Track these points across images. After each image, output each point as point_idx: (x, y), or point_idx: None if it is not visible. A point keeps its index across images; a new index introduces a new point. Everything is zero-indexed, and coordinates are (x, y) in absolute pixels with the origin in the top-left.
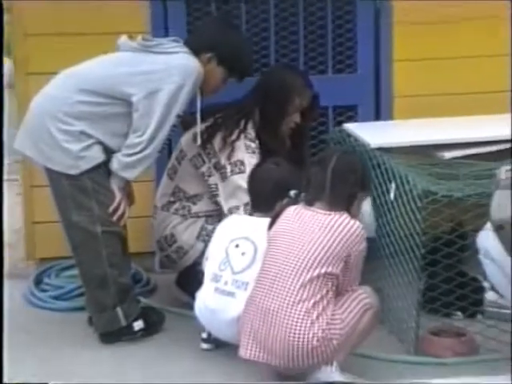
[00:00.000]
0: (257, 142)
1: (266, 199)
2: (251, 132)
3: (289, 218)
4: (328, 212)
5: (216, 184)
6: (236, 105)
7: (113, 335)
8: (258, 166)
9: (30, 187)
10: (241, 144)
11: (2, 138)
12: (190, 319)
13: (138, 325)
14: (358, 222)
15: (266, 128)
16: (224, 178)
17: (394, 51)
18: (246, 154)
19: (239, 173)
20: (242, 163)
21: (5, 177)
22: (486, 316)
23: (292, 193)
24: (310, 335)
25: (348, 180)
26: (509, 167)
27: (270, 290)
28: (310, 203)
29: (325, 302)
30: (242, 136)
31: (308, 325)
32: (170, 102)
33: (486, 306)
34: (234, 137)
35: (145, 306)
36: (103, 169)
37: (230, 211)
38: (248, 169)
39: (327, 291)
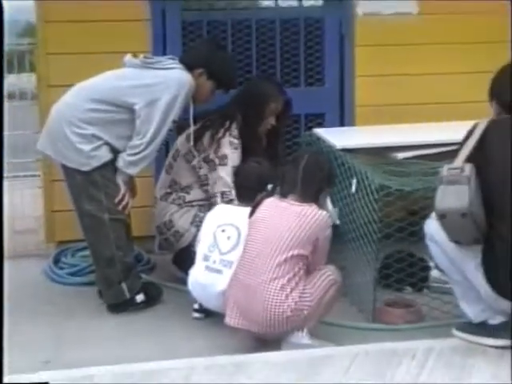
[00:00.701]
0: (239, 139)
1: (248, 192)
2: (235, 130)
3: (267, 207)
4: (300, 203)
5: (206, 174)
6: (221, 110)
7: (119, 306)
8: (243, 164)
9: (49, 181)
10: (226, 141)
11: (2, 138)
12: (184, 293)
13: (140, 298)
14: (324, 212)
15: (247, 129)
16: (212, 169)
17: (355, 68)
18: (230, 149)
19: (222, 165)
20: (226, 157)
21: (26, 174)
22: (431, 290)
23: (269, 187)
24: (285, 306)
25: (317, 177)
26: (451, 166)
27: (250, 269)
28: (284, 196)
29: (297, 278)
30: (227, 134)
31: (283, 298)
32: (167, 109)
33: (430, 281)
34: (220, 134)
35: (146, 281)
36: (111, 166)
37: (214, 195)
38: (230, 162)
39: (299, 269)
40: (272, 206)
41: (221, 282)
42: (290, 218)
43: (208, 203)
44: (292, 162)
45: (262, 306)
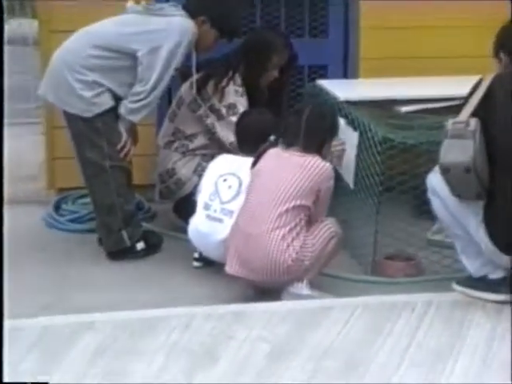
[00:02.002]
0: (243, 87)
1: (250, 142)
2: (238, 79)
3: (269, 158)
4: (303, 154)
5: (213, 123)
6: (225, 59)
7: (119, 254)
8: (244, 115)
9: (51, 128)
10: (230, 89)
11: (2, 134)
12: (184, 241)
13: (140, 245)
14: (327, 164)
15: (249, 80)
16: (220, 118)
17: (360, 20)
18: (236, 97)
19: (234, 114)
20: (235, 106)
21: (27, 120)
22: (431, 244)
23: (272, 138)
24: (286, 256)
25: (320, 128)
26: (456, 120)
27: (252, 218)
28: (286, 147)
29: (298, 228)
30: (231, 83)
31: (284, 247)
32: (169, 56)
33: (431, 235)
34: (223, 83)
35: (146, 229)
36: (113, 113)
37: (232, 145)
38: (241, 108)
39: (300, 220)
40: (275, 157)
41: (221, 231)
42: (292, 169)
43: (211, 153)
44: (295, 113)
45: (263, 255)
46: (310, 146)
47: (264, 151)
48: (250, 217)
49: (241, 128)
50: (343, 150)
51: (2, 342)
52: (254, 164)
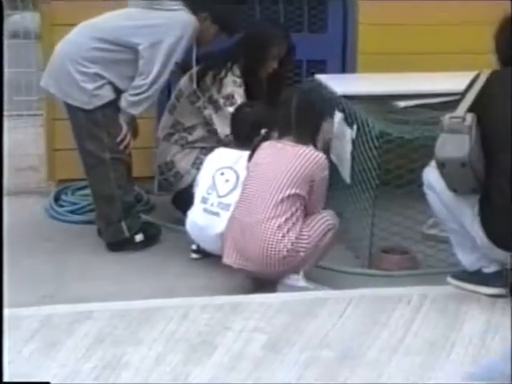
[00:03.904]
0: (242, 79)
1: (245, 135)
2: (237, 70)
3: (264, 150)
4: (296, 144)
5: (210, 115)
6: (224, 51)
7: (117, 245)
8: (240, 107)
9: (52, 120)
10: (229, 80)
11: (1, 132)
12: (183, 233)
13: (139, 237)
14: (321, 153)
15: (248, 71)
16: (218, 109)
17: (359, 16)
18: (235, 87)
19: (231, 105)
20: (233, 96)
21: (28, 112)
22: (426, 238)
23: (263, 131)
24: (281, 246)
25: (309, 116)
26: (452, 115)
27: (248, 208)
28: (279, 138)
29: (294, 219)
30: (229, 73)
31: (280, 237)
32: (170, 51)
33: (426, 229)
34: (222, 74)
35: (145, 221)
36: (113, 106)
37: (227, 137)
38: (238, 99)
39: (296, 209)
40: (269, 149)
41: (218, 225)
42: (286, 159)
43: (210, 146)
44: (283, 103)
45: (259, 245)
46: (303, 136)
47: (258, 145)
48: (246, 207)
49: (236, 121)
50: (330, 138)
51: (2, 343)
52: (250, 157)
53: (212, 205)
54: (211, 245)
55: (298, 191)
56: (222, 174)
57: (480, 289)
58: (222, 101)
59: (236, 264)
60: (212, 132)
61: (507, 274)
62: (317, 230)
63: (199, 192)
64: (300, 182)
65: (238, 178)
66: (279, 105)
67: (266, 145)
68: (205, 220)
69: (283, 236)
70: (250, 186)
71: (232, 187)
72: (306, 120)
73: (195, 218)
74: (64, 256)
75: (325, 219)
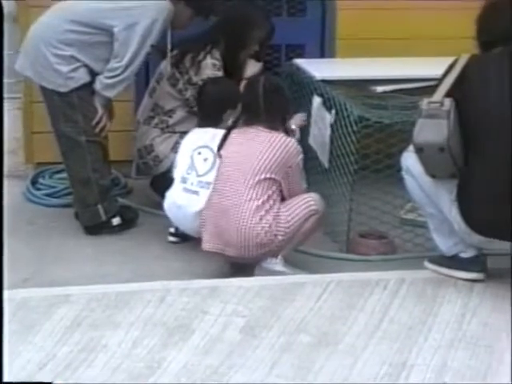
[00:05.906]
0: (221, 62)
1: (209, 113)
2: (216, 53)
3: (236, 135)
4: (268, 130)
5: (193, 95)
6: (204, 34)
7: (94, 228)
8: (202, 86)
9: (29, 103)
10: (208, 63)
11: (2, 128)
12: (160, 217)
13: (116, 220)
14: (293, 140)
15: (228, 55)
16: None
17: (338, 1)
18: (214, 71)
19: None
20: None
21: (6, 95)
22: (404, 223)
23: (230, 121)
24: (259, 228)
25: (278, 102)
26: (431, 100)
27: (223, 192)
28: (248, 125)
29: (271, 201)
30: (208, 56)
31: (257, 220)
32: (145, 33)
33: (404, 214)
34: (200, 57)
35: (122, 205)
36: (89, 88)
37: None
38: None
39: (272, 192)
40: (242, 134)
41: (197, 203)
42: (259, 144)
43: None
44: (248, 90)
45: (237, 227)
46: (274, 122)
47: (228, 132)
48: (221, 191)
49: (200, 101)
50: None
51: (2, 343)
52: (221, 146)
53: (192, 184)
54: (189, 224)
55: (273, 176)
56: (200, 153)
57: (457, 273)
58: (201, 83)
59: (215, 248)
60: (192, 113)
61: (484, 259)
62: (298, 214)
63: (178, 172)
64: (274, 167)
65: (215, 155)
66: (243, 90)
67: (237, 131)
68: (184, 199)
69: (260, 218)
70: (225, 170)
71: (210, 166)
72: (275, 107)
73: (175, 197)
74: (42, 239)
75: (308, 204)
